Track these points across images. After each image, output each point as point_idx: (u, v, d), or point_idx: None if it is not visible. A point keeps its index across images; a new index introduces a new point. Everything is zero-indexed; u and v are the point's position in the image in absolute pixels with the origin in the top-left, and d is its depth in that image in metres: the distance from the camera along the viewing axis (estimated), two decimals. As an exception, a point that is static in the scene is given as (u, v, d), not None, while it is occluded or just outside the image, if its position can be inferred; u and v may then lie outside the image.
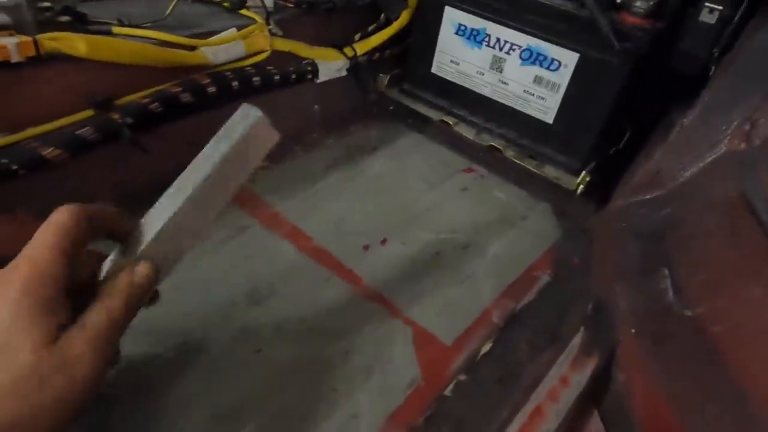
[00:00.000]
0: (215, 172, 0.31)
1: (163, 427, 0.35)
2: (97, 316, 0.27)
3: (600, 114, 0.57)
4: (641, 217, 0.52)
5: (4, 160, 0.40)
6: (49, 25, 0.44)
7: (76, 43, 0.42)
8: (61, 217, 0.27)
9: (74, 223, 0.27)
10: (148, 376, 0.37)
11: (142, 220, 0.30)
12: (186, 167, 0.31)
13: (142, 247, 0.29)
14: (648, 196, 0.53)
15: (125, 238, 0.30)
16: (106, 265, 0.30)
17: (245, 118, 0.32)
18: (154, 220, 0.30)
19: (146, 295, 0.30)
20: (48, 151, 0.42)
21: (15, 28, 0.40)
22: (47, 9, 0.45)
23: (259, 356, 0.40)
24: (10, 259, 0.26)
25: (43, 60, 0.41)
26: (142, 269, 0.30)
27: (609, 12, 0.52)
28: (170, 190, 0.31)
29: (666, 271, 0.46)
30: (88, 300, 0.28)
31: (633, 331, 0.44)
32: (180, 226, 0.31)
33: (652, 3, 0.50)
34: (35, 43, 0.39)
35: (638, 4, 0.51)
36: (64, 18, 0.46)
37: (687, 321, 0.42)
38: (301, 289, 0.46)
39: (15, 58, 0.39)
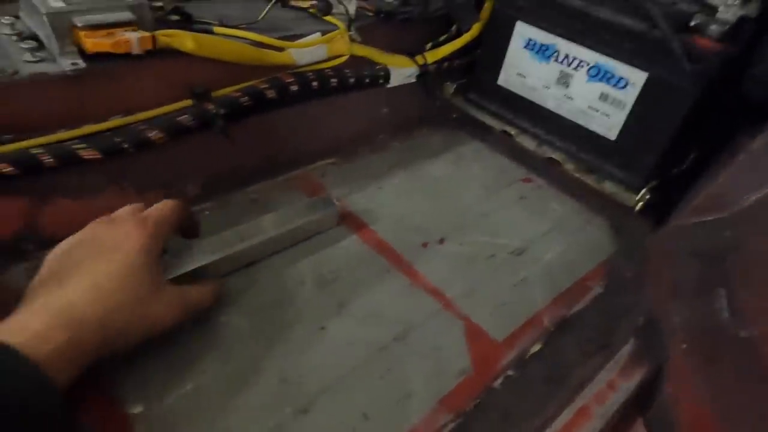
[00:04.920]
0: (270, 240, 0.48)
1: (236, 385, 0.39)
2: (197, 295, 0.40)
3: (665, 134, 0.58)
4: (701, 238, 0.52)
5: (117, 139, 0.45)
6: (161, 23, 0.49)
7: (185, 40, 0.47)
8: (178, 204, 0.41)
9: (183, 212, 0.41)
10: (226, 339, 0.42)
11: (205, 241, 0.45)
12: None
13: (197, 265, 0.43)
14: (709, 218, 0.53)
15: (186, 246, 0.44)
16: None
17: (322, 207, 0.52)
18: (216, 249, 0.45)
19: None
20: (153, 134, 0.47)
21: (137, 24, 0.45)
22: (159, 8, 0.51)
23: (322, 332, 0.44)
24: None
25: (156, 53, 0.46)
26: (218, 287, 0.43)
27: (681, 34, 0.53)
28: (230, 233, 0.46)
29: (723, 292, 0.46)
30: None
31: (684, 346, 0.44)
32: (234, 261, 0.47)
33: (727, 27, 0.51)
34: (153, 38, 0.45)
35: (713, 27, 0.51)
36: (174, 17, 0.52)
37: (742, 341, 0.42)
38: (363, 277, 0.49)
39: (135, 51, 0.44)
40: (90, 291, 0.32)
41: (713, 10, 0.52)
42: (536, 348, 0.45)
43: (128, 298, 0.32)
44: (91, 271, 0.32)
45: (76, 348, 0.30)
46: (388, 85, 0.67)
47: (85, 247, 0.34)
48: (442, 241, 0.55)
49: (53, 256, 0.34)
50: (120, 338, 0.33)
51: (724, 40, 0.52)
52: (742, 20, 0.51)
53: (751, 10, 0.51)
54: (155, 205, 0.39)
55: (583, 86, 0.62)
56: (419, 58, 0.68)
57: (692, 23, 0.53)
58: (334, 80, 0.59)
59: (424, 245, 0.54)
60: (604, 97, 0.60)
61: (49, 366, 0.27)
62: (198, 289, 0.40)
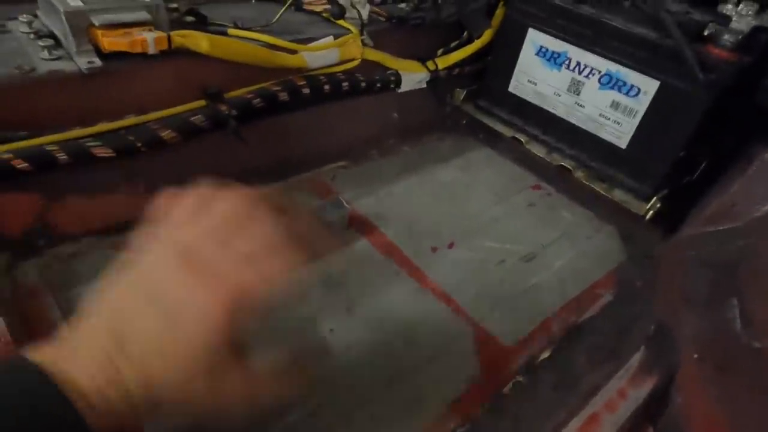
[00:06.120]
0: None
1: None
2: (267, 389, 0.30)
3: (676, 143, 0.58)
4: (713, 247, 0.52)
5: (131, 138, 0.45)
6: (176, 24, 0.50)
7: (200, 41, 0.47)
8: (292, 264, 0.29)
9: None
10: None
11: None
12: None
13: None
14: (721, 228, 0.53)
15: None
16: None
17: (332, 210, 0.53)
18: None
19: None
20: (166, 133, 0.47)
21: (153, 24, 0.46)
22: (175, 9, 0.52)
23: (331, 335, 0.43)
24: (130, 224, 0.28)
25: (171, 54, 0.46)
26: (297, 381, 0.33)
27: (694, 43, 0.53)
28: None
29: (735, 302, 0.45)
30: None
31: (696, 356, 0.44)
32: None
33: (740, 36, 0.51)
34: (169, 38, 0.45)
35: (726, 36, 0.51)
36: (189, 18, 0.52)
37: (755, 352, 0.41)
38: (373, 280, 0.49)
39: (151, 51, 0.44)
40: (153, 364, 0.26)
41: (727, 19, 0.52)
42: (546, 354, 0.45)
43: (189, 381, 0.26)
44: (155, 339, 0.26)
45: (126, 417, 0.26)
46: (399, 90, 0.67)
47: (152, 300, 0.27)
48: (451, 245, 0.55)
49: (117, 284, 0.28)
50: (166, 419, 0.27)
51: (738, 49, 0.51)
52: (755, 30, 0.51)
53: (765, 20, 0.51)
54: (261, 264, 0.28)
55: (594, 94, 0.62)
56: (430, 64, 0.68)
57: (705, 33, 0.53)
58: (345, 84, 0.60)
59: (434, 250, 0.54)
60: (615, 105, 0.60)
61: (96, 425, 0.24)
62: (268, 381, 0.31)
